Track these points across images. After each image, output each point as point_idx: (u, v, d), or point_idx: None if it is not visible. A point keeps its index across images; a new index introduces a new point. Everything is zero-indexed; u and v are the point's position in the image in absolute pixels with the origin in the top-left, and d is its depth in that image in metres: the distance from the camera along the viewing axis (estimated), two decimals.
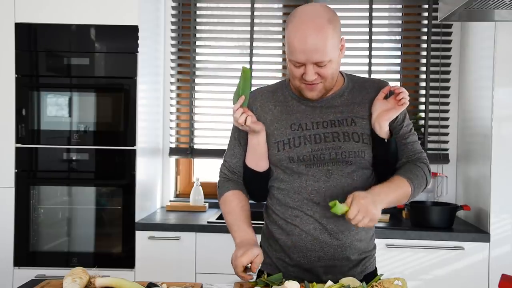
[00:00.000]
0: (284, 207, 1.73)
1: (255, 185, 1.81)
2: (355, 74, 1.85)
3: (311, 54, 1.57)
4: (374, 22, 3.44)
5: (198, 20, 3.52)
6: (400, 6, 3.45)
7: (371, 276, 1.75)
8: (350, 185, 1.69)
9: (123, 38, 2.91)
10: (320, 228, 1.69)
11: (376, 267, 1.85)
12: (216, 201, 3.38)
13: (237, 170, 1.83)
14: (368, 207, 1.54)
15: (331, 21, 1.58)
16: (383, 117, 1.67)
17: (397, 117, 1.73)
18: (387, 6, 3.46)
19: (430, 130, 3.39)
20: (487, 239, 2.75)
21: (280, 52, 3.48)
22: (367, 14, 3.42)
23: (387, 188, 1.65)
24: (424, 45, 3.42)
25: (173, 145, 3.54)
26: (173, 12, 3.52)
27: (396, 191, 1.66)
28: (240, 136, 1.82)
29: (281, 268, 1.76)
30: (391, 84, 1.79)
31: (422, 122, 3.41)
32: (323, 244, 1.70)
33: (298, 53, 1.58)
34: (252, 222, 1.78)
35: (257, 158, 1.75)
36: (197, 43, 3.54)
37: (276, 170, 1.76)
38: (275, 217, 1.77)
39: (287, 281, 1.55)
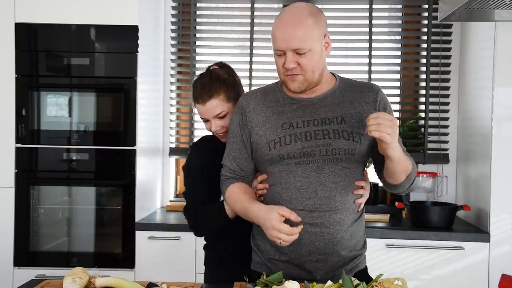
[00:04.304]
0: (273, 203, 1.72)
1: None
2: (349, 78, 1.88)
3: (290, 40, 1.65)
4: (374, 22, 3.43)
5: (198, 20, 3.52)
6: (400, 6, 3.45)
7: (362, 273, 1.78)
8: (341, 181, 1.70)
9: (123, 38, 2.91)
10: (310, 222, 1.69)
11: (366, 266, 1.86)
12: None
13: (238, 170, 1.83)
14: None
15: (313, 15, 1.67)
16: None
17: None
18: (387, 6, 3.46)
19: (430, 130, 3.39)
20: (487, 239, 2.75)
21: None
22: (367, 14, 3.42)
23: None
24: (424, 45, 3.42)
25: (173, 145, 3.54)
26: (173, 12, 3.52)
27: (405, 156, 1.70)
28: (243, 137, 1.80)
29: (272, 267, 1.76)
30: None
31: (422, 122, 3.41)
32: (313, 238, 1.70)
33: (279, 40, 1.67)
34: None
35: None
36: (197, 43, 3.54)
37: (265, 170, 1.77)
38: None
39: (287, 281, 1.55)
